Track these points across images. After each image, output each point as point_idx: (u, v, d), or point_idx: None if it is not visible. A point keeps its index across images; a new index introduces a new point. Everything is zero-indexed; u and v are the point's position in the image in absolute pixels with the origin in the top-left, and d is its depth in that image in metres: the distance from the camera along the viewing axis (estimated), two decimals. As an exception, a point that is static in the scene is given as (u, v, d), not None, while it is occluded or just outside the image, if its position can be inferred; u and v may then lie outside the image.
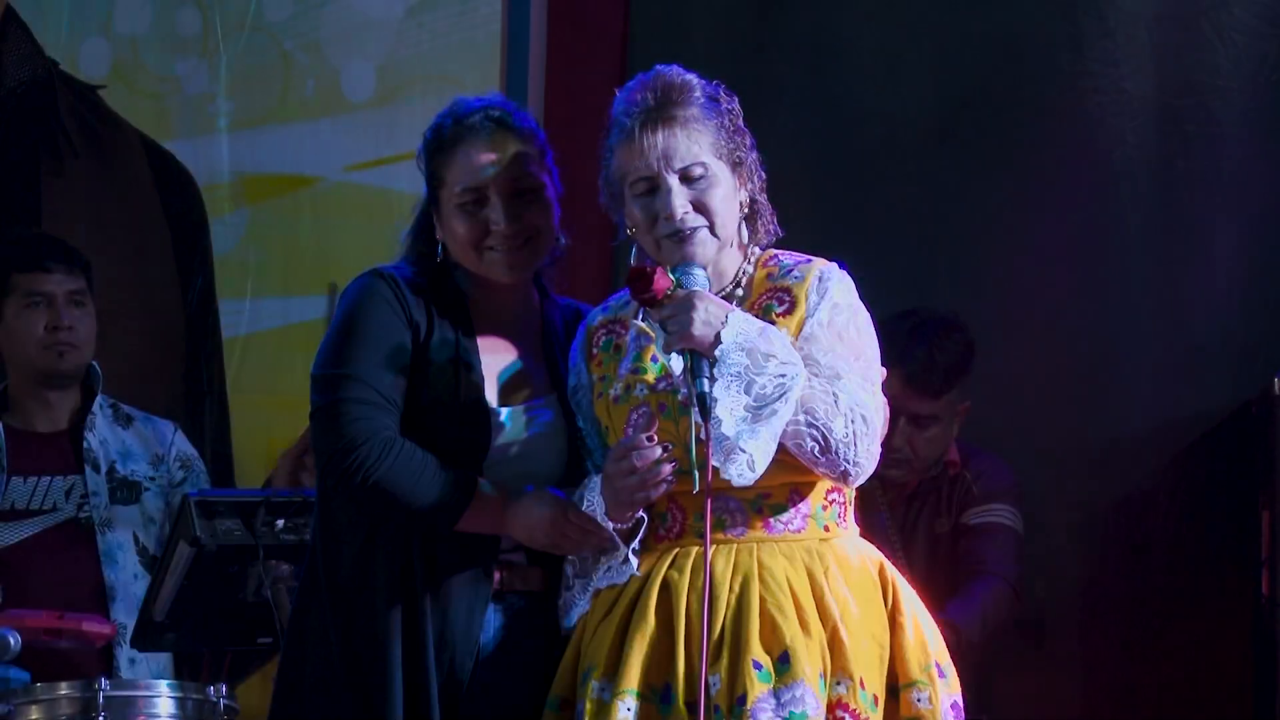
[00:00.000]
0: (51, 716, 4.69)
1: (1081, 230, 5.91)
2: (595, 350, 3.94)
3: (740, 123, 3.85)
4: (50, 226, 6.44)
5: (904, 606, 3.81)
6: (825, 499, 3.82)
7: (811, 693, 3.65)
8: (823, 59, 6.12)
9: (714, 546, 3.73)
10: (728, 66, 4.61)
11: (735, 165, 3.82)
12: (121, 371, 5.99)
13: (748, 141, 3.85)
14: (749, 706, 3.64)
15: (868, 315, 3.86)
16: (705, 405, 3.65)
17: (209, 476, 5.72)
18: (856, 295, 3.85)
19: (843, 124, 6.09)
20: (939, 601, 5.12)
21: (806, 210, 5.39)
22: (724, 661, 3.69)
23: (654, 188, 3.79)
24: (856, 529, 3.90)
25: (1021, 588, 5.40)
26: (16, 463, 5.43)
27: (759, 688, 3.65)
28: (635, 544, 3.80)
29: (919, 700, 3.75)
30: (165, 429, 5.61)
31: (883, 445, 3.84)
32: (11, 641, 4.72)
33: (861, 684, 3.70)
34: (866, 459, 3.77)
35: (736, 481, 3.68)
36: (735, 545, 3.77)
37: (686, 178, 3.78)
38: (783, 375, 3.67)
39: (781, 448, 3.70)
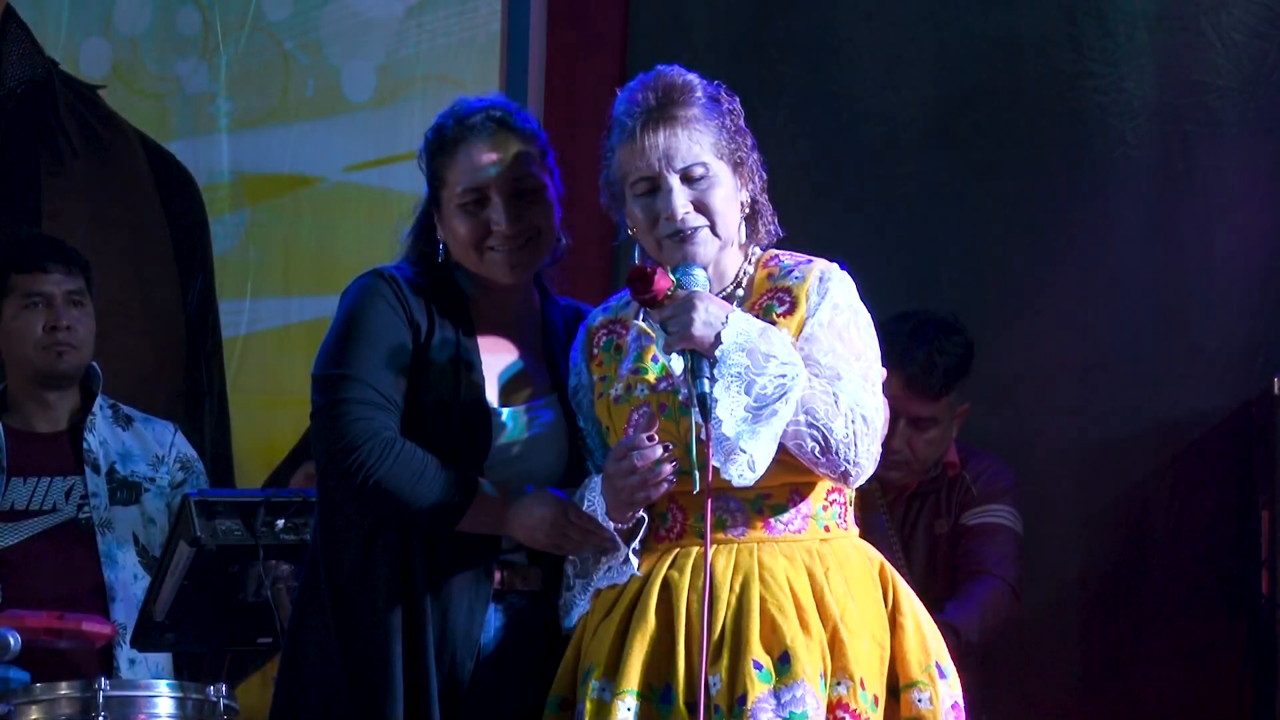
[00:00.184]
0: (51, 716, 4.69)
1: (1081, 230, 5.91)
2: (596, 350, 3.94)
3: (741, 123, 3.85)
4: (50, 226, 6.44)
5: (904, 607, 3.81)
6: (826, 499, 3.83)
7: (812, 693, 3.65)
8: (823, 59, 6.12)
9: (714, 547, 3.73)
10: (728, 66, 4.62)
11: (736, 165, 3.82)
12: (121, 371, 5.99)
13: (749, 142, 3.86)
14: (749, 706, 3.64)
15: (868, 316, 3.86)
16: (705, 406, 3.65)
17: (209, 477, 5.72)
18: (857, 295, 3.85)
19: (843, 124, 6.09)
20: (938, 602, 5.13)
21: (806, 210, 5.39)
22: (724, 661, 3.69)
23: (655, 188, 3.79)
24: (857, 530, 3.90)
25: (1021, 588, 5.40)
26: (16, 463, 5.43)
27: (759, 688, 3.65)
28: (636, 544, 3.81)
29: (919, 701, 3.75)
30: (165, 430, 5.61)
31: (882, 447, 3.84)
32: (11, 641, 4.72)
33: (862, 684, 3.70)
34: (867, 459, 3.77)
35: (737, 482, 3.68)
36: (736, 545, 3.77)
37: (687, 178, 3.78)
38: (783, 376, 3.67)
39: (782, 448, 3.70)
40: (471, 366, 3.95)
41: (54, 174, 6.59)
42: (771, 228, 3.90)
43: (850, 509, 3.88)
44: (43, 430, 5.50)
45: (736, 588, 3.73)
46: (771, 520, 3.79)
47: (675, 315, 3.69)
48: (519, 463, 3.93)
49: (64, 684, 4.72)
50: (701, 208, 3.79)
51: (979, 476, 5.46)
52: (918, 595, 3.89)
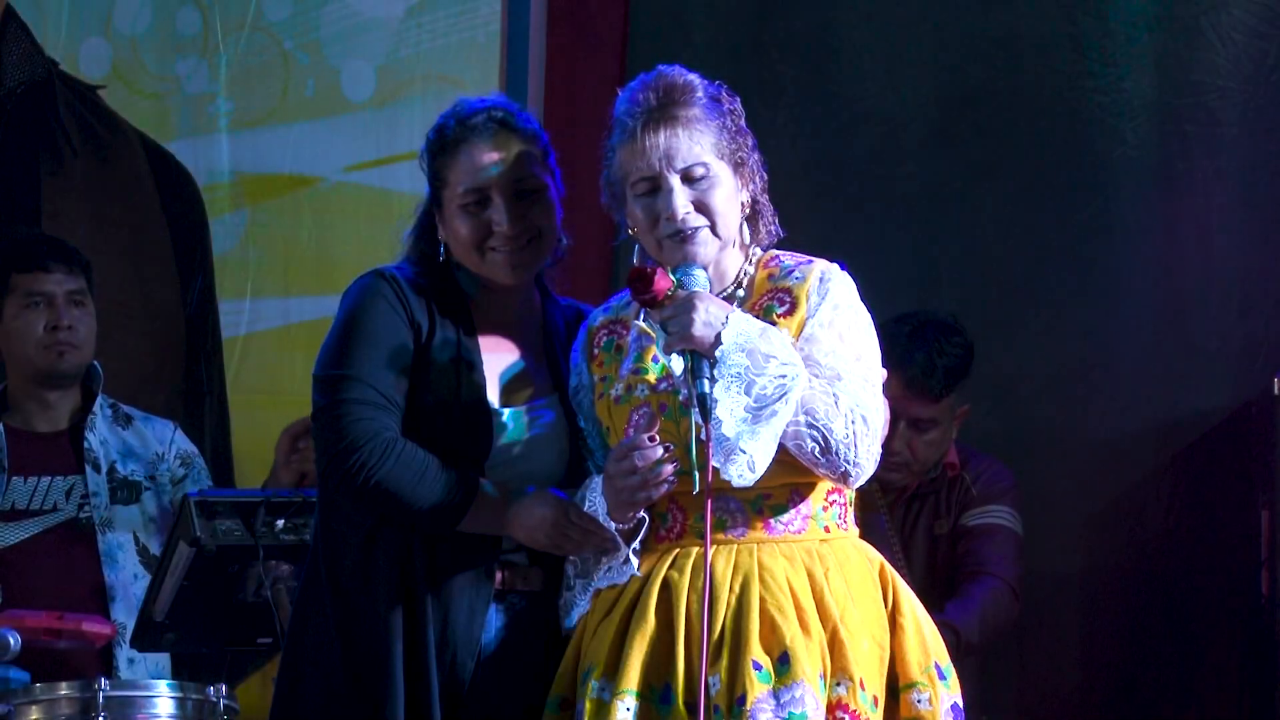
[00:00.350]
0: (51, 716, 4.69)
1: (1081, 230, 5.91)
2: (596, 350, 3.94)
3: (742, 123, 3.85)
4: (50, 226, 6.44)
5: (904, 607, 3.81)
6: (826, 500, 3.82)
7: (811, 693, 3.65)
8: (823, 59, 6.12)
9: (714, 547, 3.73)
10: (728, 66, 4.62)
11: (737, 166, 3.82)
12: (121, 371, 5.99)
13: (750, 142, 3.85)
14: (749, 707, 3.64)
15: (869, 316, 3.86)
16: (706, 406, 3.65)
17: (209, 475, 5.72)
18: (857, 296, 3.85)
19: (843, 124, 6.09)
20: (938, 602, 5.13)
21: (806, 210, 5.39)
22: (724, 662, 3.69)
23: (656, 188, 3.79)
24: (857, 530, 3.90)
25: (1021, 588, 5.40)
26: (17, 463, 5.43)
27: (759, 688, 3.65)
28: (636, 544, 3.81)
29: (919, 701, 3.75)
30: (165, 428, 5.61)
31: (882, 448, 3.84)
32: (11, 641, 4.72)
33: (861, 685, 3.70)
34: (867, 460, 3.77)
35: (736, 482, 3.68)
36: (736, 546, 3.77)
37: (688, 178, 3.78)
38: (783, 376, 3.67)
39: (782, 448, 3.70)
40: (472, 367, 3.95)
41: (54, 174, 6.59)
42: (772, 228, 3.91)
43: (850, 510, 3.88)
44: (43, 430, 5.49)
45: (736, 588, 3.73)
46: (771, 521, 3.79)
47: (675, 315, 3.69)
48: (520, 463, 3.93)
49: (64, 684, 4.72)
50: (702, 208, 3.79)
51: (979, 477, 5.46)
52: (918, 596, 3.89)
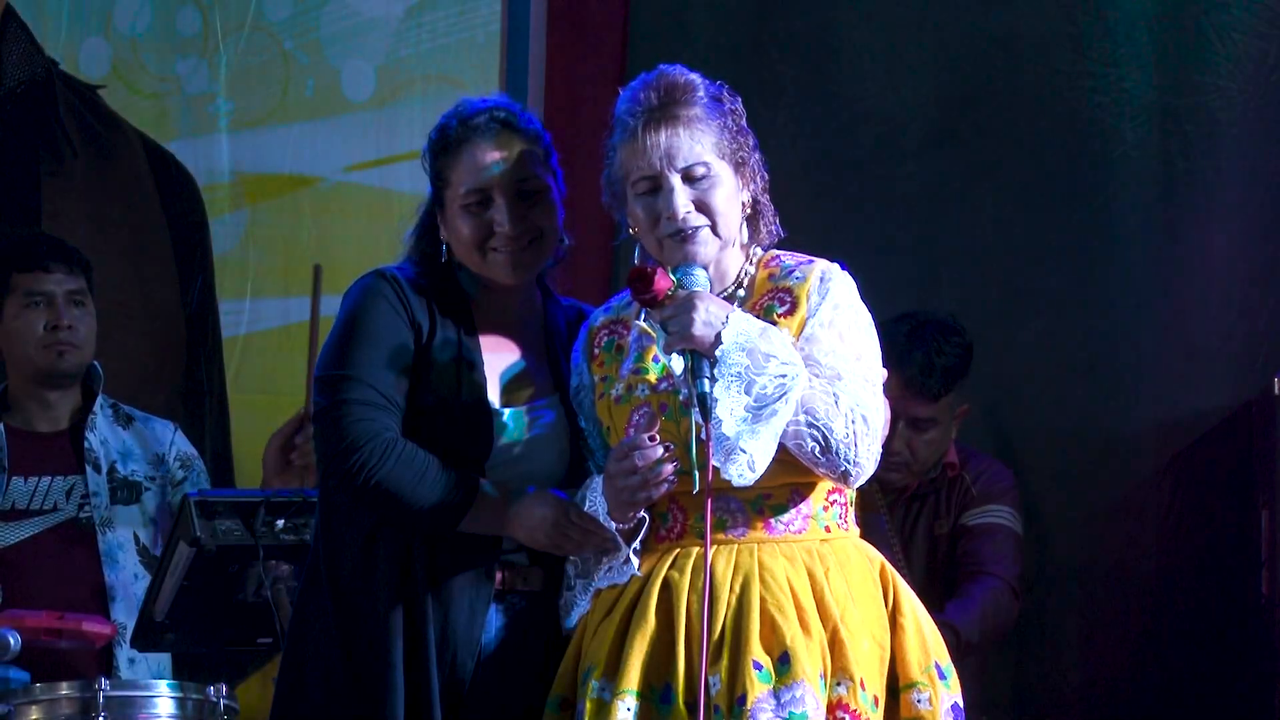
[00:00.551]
0: (51, 716, 4.69)
1: (1081, 230, 5.91)
2: (597, 350, 3.94)
3: (743, 123, 3.85)
4: (50, 226, 6.44)
5: (905, 607, 3.81)
6: (826, 500, 3.82)
7: (811, 693, 3.65)
8: (823, 59, 6.12)
9: (715, 547, 3.73)
10: (728, 66, 4.62)
11: (738, 165, 3.82)
12: (121, 371, 5.99)
13: (751, 142, 3.85)
14: (749, 707, 3.64)
15: (869, 316, 3.86)
16: (706, 405, 3.65)
17: (209, 477, 5.72)
18: (858, 296, 3.85)
19: (843, 124, 6.09)
20: (938, 602, 5.13)
21: (806, 210, 5.39)
22: (724, 662, 3.69)
23: (656, 187, 3.79)
24: (857, 530, 3.90)
25: (1021, 588, 5.40)
26: (17, 463, 5.43)
27: (759, 688, 3.65)
28: (636, 544, 3.81)
29: (919, 701, 3.75)
30: (165, 429, 5.61)
31: (882, 448, 3.84)
32: (11, 641, 4.72)
33: (862, 685, 3.70)
34: (867, 459, 3.77)
35: (736, 482, 3.68)
36: (736, 546, 3.77)
37: (689, 177, 3.78)
38: (783, 376, 3.67)
39: (782, 448, 3.70)
40: (473, 367, 3.95)
41: (54, 174, 6.59)
42: (773, 228, 3.91)
43: (851, 509, 3.88)
44: (43, 430, 5.49)
45: (736, 588, 3.73)
46: (772, 520, 3.79)
47: (675, 315, 3.69)
48: (520, 463, 3.93)
49: (64, 684, 4.73)
50: (703, 207, 3.79)
51: (978, 477, 5.46)
52: (918, 595, 3.89)
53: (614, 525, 3.77)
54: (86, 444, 5.45)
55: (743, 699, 3.65)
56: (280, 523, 4.69)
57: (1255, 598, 5.57)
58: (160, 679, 5.10)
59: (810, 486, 3.81)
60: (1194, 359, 5.80)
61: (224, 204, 6.56)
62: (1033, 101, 5.97)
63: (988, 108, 6.00)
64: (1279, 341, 5.71)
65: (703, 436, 3.67)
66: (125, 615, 5.27)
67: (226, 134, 6.56)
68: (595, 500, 3.78)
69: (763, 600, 3.71)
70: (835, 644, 3.71)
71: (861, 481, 3.81)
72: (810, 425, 3.71)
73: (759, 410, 3.66)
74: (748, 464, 3.67)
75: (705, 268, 3.78)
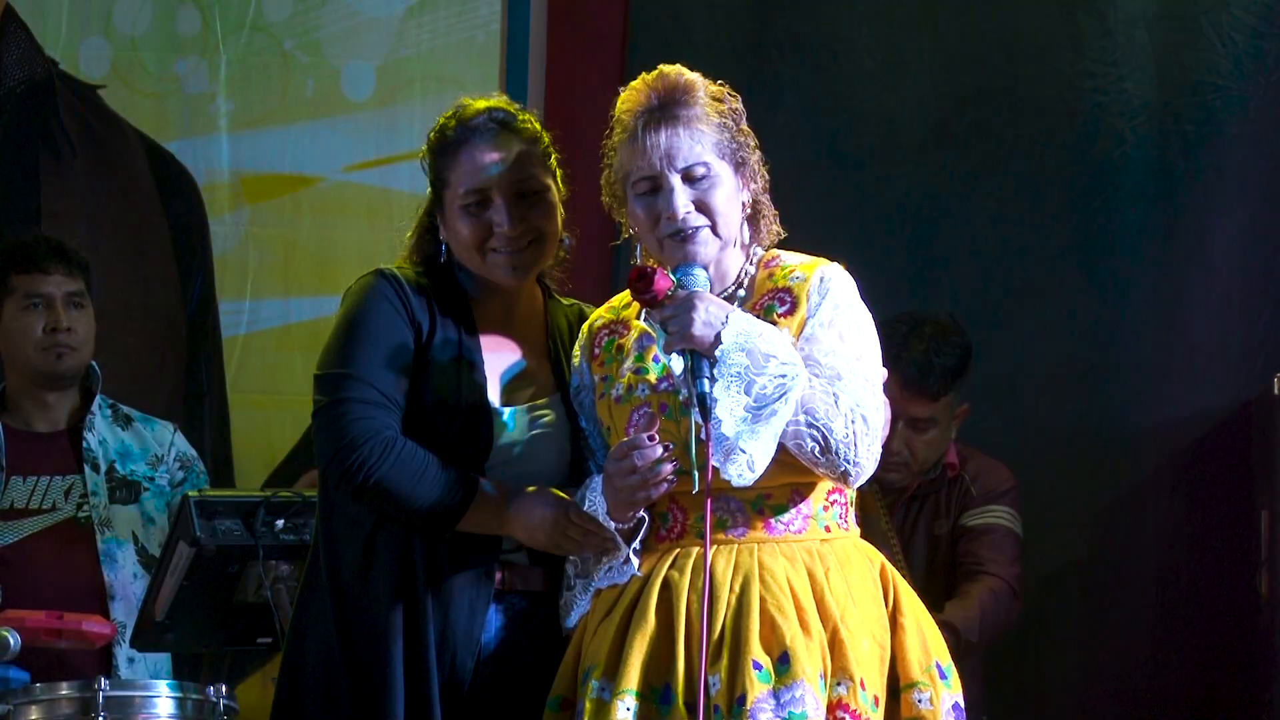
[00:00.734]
0: (51, 716, 4.68)
1: (1081, 230, 5.91)
2: (597, 350, 3.94)
3: (743, 123, 3.85)
4: (50, 226, 6.43)
5: (905, 607, 3.81)
6: (826, 500, 3.82)
7: (811, 693, 3.65)
8: (823, 59, 6.12)
9: (714, 547, 3.73)
10: (728, 66, 4.60)
11: (738, 165, 3.82)
12: (121, 371, 5.99)
13: (751, 142, 3.85)
14: (749, 707, 3.63)
15: (869, 316, 3.85)
16: (705, 405, 3.65)
17: (209, 477, 5.72)
18: (858, 296, 3.85)
19: (843, 124, 6.09)
20: (938, 602, 5.13)
21: (806, 210, 5.38)
22: (724, 662, 3.69)
23: (656, 187, 3.78)
24: (857, 530, 3.90)
25: (1021, 588, 5.40)
26: (16, 463, 5.43)
27: (759, 688, 3.65)
28: (636, 544, 3.80)
29: (920, 701, 3.75)
30: (164, 430, 5.61)
31: (882, 448, 3.84)
32: (11, 641, 4.72)
33: (862, 685, 3.70)
34: (867, 459, 3.77)
35: (736, 482, 3.68)
36: (736, 546, 3.77)
37: (689, 177, 3.78)
38: (783, 376, 3.67)
39: (782, 448, 3.70)
40: (474, 366, 3.95)
41: (54, 174, 6.58)
42: (773, 228, 3.90)
43: (851, 509, 3.88)
44: (42, 430, 5.50)
45: (736, 588, 3.73)
46: (772, 520, 3.79)
47: (675, 315, 3.69)
48: (521, 463, 3.93)
49: (64, 684, 4.72)
50: (703, 208, 3.79)
51: (978, 477, 5.46)
52: (918, 595, 3.89)
53: (614, 525, 3.77)
54: (85, 444, 5.45)
55: (742, 699, 3.64)
56: (280, 523, 4.68)
57: (1255, 598, 5.57)
58: (160, 679, 5.10)
59: (810, 486, 3.80)
60: (1194, 359, 5.80)
61: (224, 204, 6.56)
62: (1033, 101, 5.97)
63: (988, 108, 6.01)
64: (1279, 341, 5.71)
65: (702, 436, 3.67)
66: (124, 615, 5.27)
67: (226, 134, 6.55)
68: (595, 500, 3.78)
69: (762, 600, 3.71)
70: (835, 644, 3.71)
71: (861, 481, 3.81)
72: (810, 425, 3.71)
73: (759, 410, 3.66)
74: (747, 464, 3.66)
75: (705, 268, 3.78)
